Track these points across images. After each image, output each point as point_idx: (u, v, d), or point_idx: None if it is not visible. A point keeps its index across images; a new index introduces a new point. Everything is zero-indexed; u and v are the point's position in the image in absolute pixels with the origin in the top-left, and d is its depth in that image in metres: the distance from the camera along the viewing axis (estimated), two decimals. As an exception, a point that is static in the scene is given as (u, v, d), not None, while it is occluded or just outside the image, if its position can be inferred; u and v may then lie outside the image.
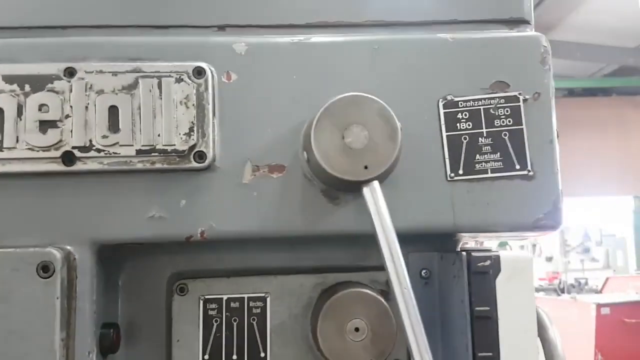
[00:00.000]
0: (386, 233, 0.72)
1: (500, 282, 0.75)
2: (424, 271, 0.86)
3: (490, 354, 0.72)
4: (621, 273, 10.07)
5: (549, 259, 11.01)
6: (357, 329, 0.78)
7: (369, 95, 0.76)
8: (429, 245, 0.88)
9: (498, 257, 0.76)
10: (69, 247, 0.73)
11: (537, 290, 8.67)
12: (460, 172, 0.80)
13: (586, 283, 9.38)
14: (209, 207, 0.77)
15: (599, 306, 6.11)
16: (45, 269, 0.71)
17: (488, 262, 0.75)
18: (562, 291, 8.78)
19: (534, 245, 11.10)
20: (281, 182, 0.79)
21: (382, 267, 0.86)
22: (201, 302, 0.83)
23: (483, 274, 0.74)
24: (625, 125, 10.84)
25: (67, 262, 0.72)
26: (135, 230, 0.76)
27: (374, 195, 0.73)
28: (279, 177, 0.79)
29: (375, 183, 0.73)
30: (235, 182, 0.78)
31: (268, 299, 0.84)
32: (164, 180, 0.77)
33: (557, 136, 0.83)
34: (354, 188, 0.75)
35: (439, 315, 0.84)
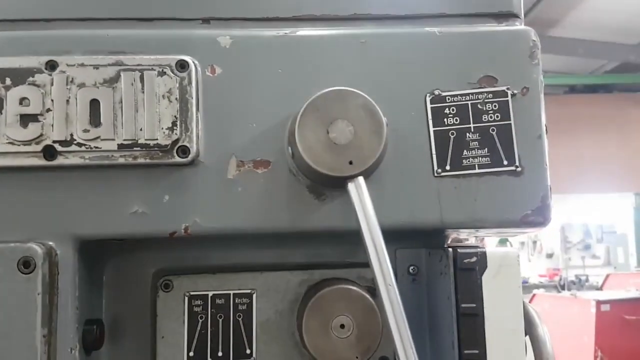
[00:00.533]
0: (371, 229, 0.71)
1: (487, 279, 0.74)
2: (411, 267, 0.86)
3: (477, 351, 0.72)
4: (622, 270, 10.06)
5: (550, 256, 11.02)
6: (342, 326, 0.77)
7: (354, 90, 0.75)
8: (417, 241, 0.87)
9: (484, 253, 0.75)
10: (50, 243, 0.73)
11: (537, 286, 8.68)
12: (448, 167, 0.79)
13: (587, 280, 9.38)
14: (193, 203, 0.76)
15: (599, 303, 6.10)
16: (26, 265, 0.70)
17: (474, 259, 0.74)
18: (563, 288, 8.79)
19: (534, 242, 11.11)
20: (266, 178, 0.78)
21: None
22: (186, 298, 0.83)
23: (469, 271, 0.74)
24: (626, 122, 10.81)
25: (48, 258, 0.72)
26: (118, 226, 0.75)
27: (359, 191, 0.72)
28: (264, 173, 0.78)
29: (360, 179, 0.72)
30: (220, 177, 0.77)
31: (254, 296, 0.84)
32: (147, 175, 0.76)
33: (546, 131, 0.82)
34: (339, 184, 0.74)
35: (427, 312, 0.84)
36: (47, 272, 0.71)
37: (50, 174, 0.74)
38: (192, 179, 0.77)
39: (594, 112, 10.63)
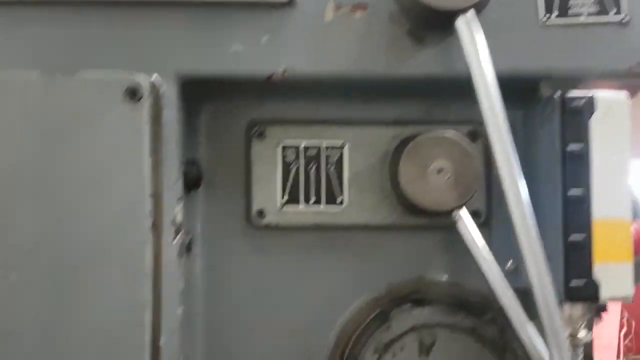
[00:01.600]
0: (481, 61, 0.69)
1: (595, 122, 0.72)
2: (505, 127, 0.83)
3: (580, 189, 0.70)
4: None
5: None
6: (440, 170, 0.77)
7: None
8: (513, 103, 0.85)
9: (592, 97, 0.73)
10: (154, 77, 0.73)
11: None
12: (555, 14, 0.76)
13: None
14: (290, 46, 0.75)
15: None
16: (133, 93, 0.71)
17: (582, 102, 0.72)
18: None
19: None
20: (364, 22, 0.76)
21: (463, 121, 0.84)
22: (279, 147, 0.83)
23: (577, 112, 0.72)
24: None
25: (153, 90, 0.72)
26: (218, 65, 0.75)
27: (469, 26, 0.70)
28: (362, 17, 0.76)
29: (472, 12, 0.70)
30: (317, 21, 0.76)
31: (345, 148, 0.84)
32: (247, 14, 0.75)
33: None
34: (445, 22, 0.72)
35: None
36: (153, 104, 0.72)
37: (151, 10, 0.74)
38: (290, 21, 0.75)
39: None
